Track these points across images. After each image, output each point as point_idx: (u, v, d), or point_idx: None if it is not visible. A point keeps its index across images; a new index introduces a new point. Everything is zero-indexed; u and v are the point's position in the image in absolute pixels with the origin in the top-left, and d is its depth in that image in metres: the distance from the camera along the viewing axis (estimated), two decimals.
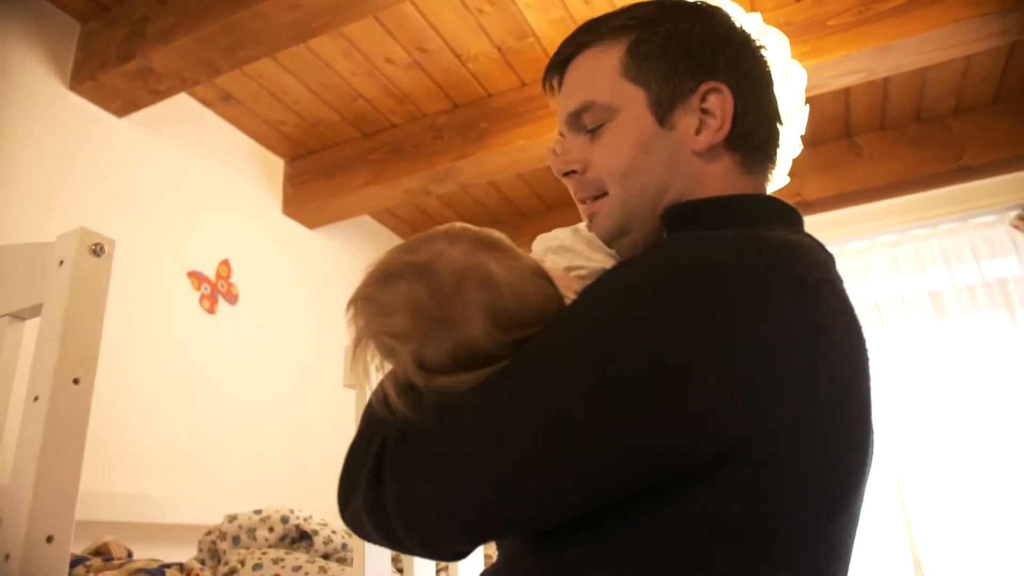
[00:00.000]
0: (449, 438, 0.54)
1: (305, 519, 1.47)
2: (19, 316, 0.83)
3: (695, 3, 0.77)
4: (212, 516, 1.76)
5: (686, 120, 0.72)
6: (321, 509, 1.62)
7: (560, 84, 0.79)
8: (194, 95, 2.37)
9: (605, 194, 0.75)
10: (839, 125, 2.70)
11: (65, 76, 2.04)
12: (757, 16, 1.56)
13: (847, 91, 2.45)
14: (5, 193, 1.82)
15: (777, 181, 1.56)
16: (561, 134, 0.79)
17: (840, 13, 2.03)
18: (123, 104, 2.12)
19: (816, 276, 0.59)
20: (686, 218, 0.71)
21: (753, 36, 0.78)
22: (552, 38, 2.20)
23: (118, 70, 2.00)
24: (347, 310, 0.60)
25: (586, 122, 0.75)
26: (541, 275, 0.61)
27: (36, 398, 0.72)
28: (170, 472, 2.05)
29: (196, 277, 2.30)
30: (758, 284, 0.55)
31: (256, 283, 2.52)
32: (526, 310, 0.57)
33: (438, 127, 2.54)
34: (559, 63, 0.79)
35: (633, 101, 0.72)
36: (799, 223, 0.73)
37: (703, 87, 0.72)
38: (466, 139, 2.48)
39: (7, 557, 0.66)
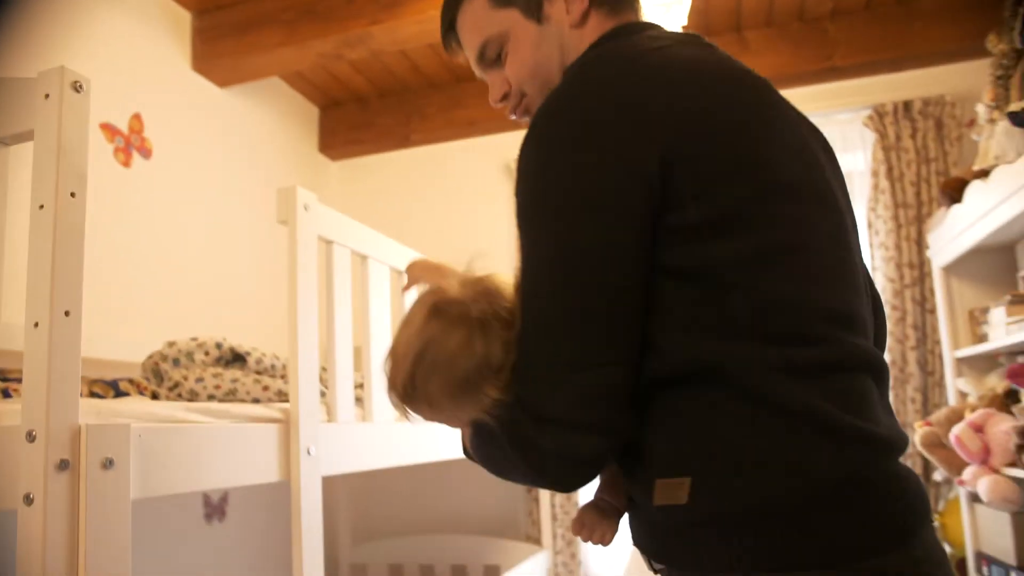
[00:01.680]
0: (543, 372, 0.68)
1: (237, 344, 1.67)
2: (4, 142, 0.96)
3: None
4: (144, 352, 1.93)
5: (556, 6, 0.88)
6: (248, 338, 1.83)
7: (459, 42, 0.95)
8: None
9: (524, 95, 0.91)
10: (731, 19, 2.92)
11: None
12: None
13: None
14: None
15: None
16: (483, 78, 0.95)
17: None
18: None
19: (633, 53, 0.75)
20: None
21: None
22: None
23: None
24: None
25: (490, 56, 0.91)
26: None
27: (41, 206, 0.87)
28: (101, 313, 2.18)
29: (109, 129, 2.33)
30: (586, 97, 0.71)
31: (169, 138, 2.56)
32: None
33: None
34: (448, 28, 0.95)
35: (512, 20, 0.88)
36: (646, 29, 0.85)
37: None
38: (379, 4, 2.55)
39: (36, 324, 0.84)
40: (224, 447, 1.21)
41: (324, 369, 1.58)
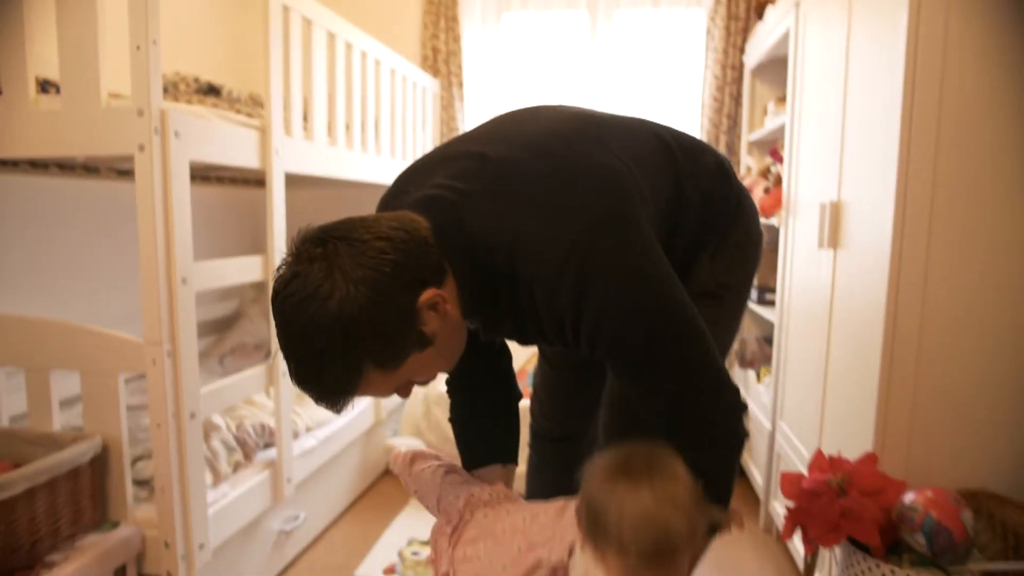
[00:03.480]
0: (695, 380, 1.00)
1: (210, 80, 2.26)
2: None
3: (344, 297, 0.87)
4: None
5: (432, 322, 0.96)
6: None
7: None
8: None
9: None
10: None
11: None
12: None
13: None
14: None
15: None
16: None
17: None
18: None
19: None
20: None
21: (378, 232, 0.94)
22: None
23: None
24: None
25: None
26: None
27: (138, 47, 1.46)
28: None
29: None
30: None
31: None
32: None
33: None
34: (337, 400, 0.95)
35: (410, 362, 0.96)
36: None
37: (424, 300, 0.94)
38: None
39: (138, 48, 1.47)
40: (228, 137, 1.84)
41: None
